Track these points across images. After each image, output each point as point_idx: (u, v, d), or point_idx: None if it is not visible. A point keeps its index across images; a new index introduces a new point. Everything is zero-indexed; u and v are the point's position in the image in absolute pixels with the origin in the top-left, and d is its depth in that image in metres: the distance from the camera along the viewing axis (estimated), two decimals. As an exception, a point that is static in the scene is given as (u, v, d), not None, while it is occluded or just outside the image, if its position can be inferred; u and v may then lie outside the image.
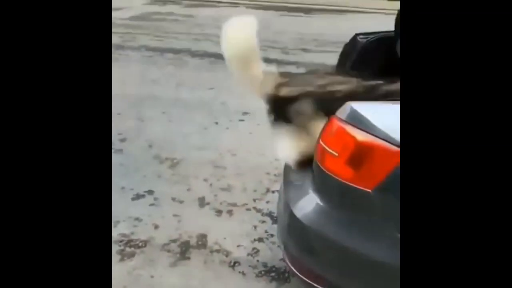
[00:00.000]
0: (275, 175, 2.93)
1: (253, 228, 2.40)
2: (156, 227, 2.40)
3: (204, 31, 7.33)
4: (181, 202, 2.63)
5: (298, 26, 7.93)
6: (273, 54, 5.91)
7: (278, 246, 2.27)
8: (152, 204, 2.60)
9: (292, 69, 5.33)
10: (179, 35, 7.02)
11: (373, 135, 1.27)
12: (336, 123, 1.36)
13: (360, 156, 1.29)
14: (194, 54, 5.90)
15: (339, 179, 1.34)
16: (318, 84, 1.68)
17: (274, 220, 2.46)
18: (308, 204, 1.50)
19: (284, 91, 1.70)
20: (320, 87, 1.66)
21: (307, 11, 9.75)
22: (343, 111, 1.37)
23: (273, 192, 2.74)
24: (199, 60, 5.65)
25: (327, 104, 1.50)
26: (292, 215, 1.55)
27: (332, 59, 6.32)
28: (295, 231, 1.58)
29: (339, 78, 1.72)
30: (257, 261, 2.17)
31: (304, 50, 6.19)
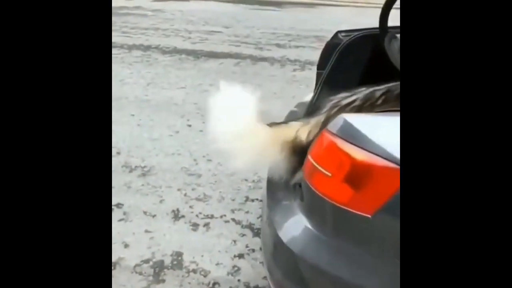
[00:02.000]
0: (253, 181, 2.76)
1: (233, 242, 2.23)
2: (126, 245, 2.19)
3: (174, 26, 7.07)
4: (153, 216, 2.42)
5: (269, 20, 7.77)
6: (247, 50, 5.72)
7: (261, 262, 2.10)
8: (121, 219, 2.39)
9: (266, 65, 5.16)
10: (147, 30, 6.74)
11: (371, 152, 1.11)
12: (328, 138, 1.20)
13: (357, 176, 1.13)
14: (163, 51, 5.65)
15: (333, 203, 1.17)
16: (330, 109, 1.47)
17: (255, 232, 2.30)
18: (296, 228, 1.33)
19: (304, 135, 1.42)
20: (333, 110, 1.45)
21: (278, 4, 9.60)
22: (335, 125, 1.20)
23: (252, 201, 2.57)
24: (169, 57, 5.41)
25: None
26: (277, 239, 1.38)
27: (307, 55, 6.18)
28: (281, 257, 1.41)
29: (344, 94, 1.52)
30: (238, 280, 2.00)
31: (278, 45, 6.03)
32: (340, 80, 1.99)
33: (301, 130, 1.43)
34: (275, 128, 1.50)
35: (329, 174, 1.18)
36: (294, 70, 4.98)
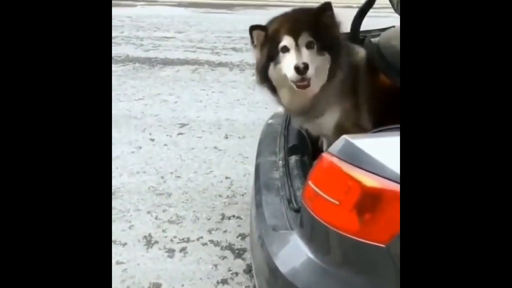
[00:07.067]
0: (228, 197, 2.63)
1: (214, 267, 2.08)
2: (97, 281, 1.99)
3: (124, 33, 6.77)
4: (123, 244, 2.23)
5: (222, 23, 7.63)
6: (203, 56, 5.56)
7: (247, 287, 1.98)
8: (88, 251, 2.18)
9: (225, 71, 5.03)
10: (95, 39, 6.40)
11: (381, 176, 1.02)
12: (332, 163, 1.09)
13: (368, 204, 1.03)
14: (115, 60, 5.37)
15: (341, 233, 1.07)
16: None
17: (236, 253, 2.17)
18: (297, 258, 1.22)
19: None
20: None
21: (229, 7, 9.48)
22: (338, 147, 1.10)
23: (229, 218, 2.43)
24: (122, 67, 5.16)
25: None
26: (275, 270, 1.27)
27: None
28: (279, 288, 1.30)
29: None
30: (225, 309, 1.86)
31: (234, 49, 5.90)
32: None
33: None
34: None
35: (336, 202, 1.07)
36: (255, 74, 4.88)
